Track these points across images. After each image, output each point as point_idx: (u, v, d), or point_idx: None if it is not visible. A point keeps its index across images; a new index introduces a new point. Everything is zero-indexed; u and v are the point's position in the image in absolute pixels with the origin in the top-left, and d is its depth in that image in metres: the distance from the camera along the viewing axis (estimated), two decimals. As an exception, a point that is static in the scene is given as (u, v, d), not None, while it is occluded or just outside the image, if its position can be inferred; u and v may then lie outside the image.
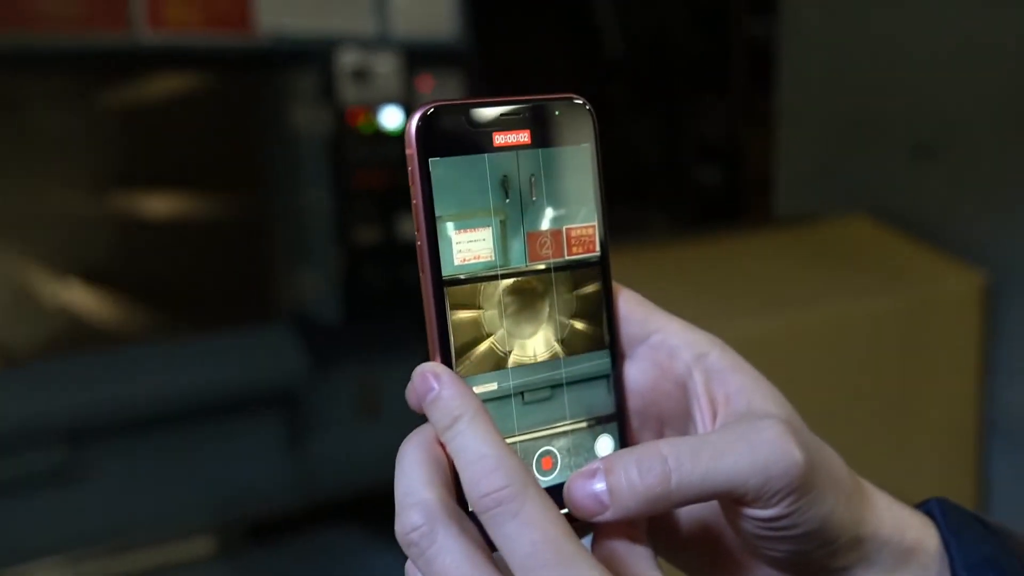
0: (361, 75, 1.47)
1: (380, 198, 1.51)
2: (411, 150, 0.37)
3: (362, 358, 1.68)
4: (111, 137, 2.17)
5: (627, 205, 1.92)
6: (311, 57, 1.47)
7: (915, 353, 1.20)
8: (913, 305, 1.19)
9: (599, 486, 0.36)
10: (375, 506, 1.71)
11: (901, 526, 0.40)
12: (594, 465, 0.37)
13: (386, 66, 1.49)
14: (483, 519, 0.34)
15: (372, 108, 1.47)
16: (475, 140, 0.38)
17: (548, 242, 0.39)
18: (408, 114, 0.39)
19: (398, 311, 1.59)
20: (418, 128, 0.37)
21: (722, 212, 1.74)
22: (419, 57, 1.52)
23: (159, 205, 2.04)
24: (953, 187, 1.32)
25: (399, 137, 1.39)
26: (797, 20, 1.46)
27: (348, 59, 1.46)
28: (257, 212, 1.70)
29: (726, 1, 1.75)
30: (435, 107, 0.38)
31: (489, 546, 0.35)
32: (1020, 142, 1.28)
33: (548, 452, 0.39)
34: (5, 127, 2.21)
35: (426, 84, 1.53)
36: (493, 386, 0.38)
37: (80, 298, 1.95)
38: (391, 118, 1.49)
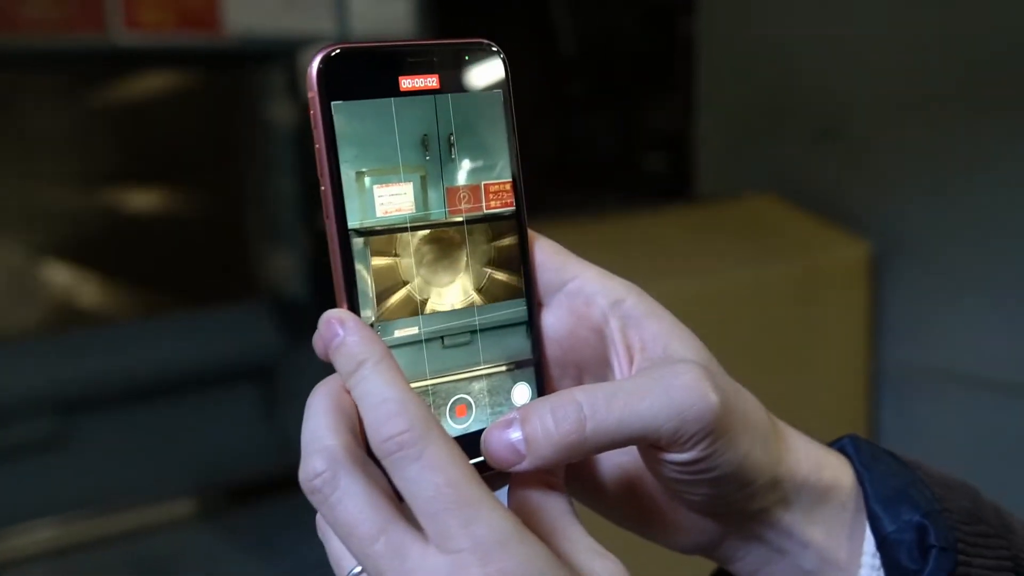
0: (324, 72, 1.52)
1: (345, 185, 1.57)
2: (312, 92, 0.34)
3: (332, 334, 1.73)
4: (94, 131, 2.19)
5: (585, 190, 1.97)
6: (277, 55, 1.50)
7: (811, 315, 1.27)
8: (810, 272, 1.26)
9: (515, 435, 0.34)
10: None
11: (818, 465, 0.39)
12: (510, 415, 0.35)
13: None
14: (385, 464, 0.32)
15: (335, 102, 1.53)
16: (381, 83, 0.35)
17: (464, 195, 0.36)
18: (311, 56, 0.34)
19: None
20: (319, 70, 0.34)
21: (667, 193, 1.80)
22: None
23: (142, 195, 2.07)
24: (847, 168, 1.38)
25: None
26: (713, 19, 1.52)
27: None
28: (233, 200, 1.72)
29: (667, 3, 1.81)
30: (339, 48, 0.34)
31: (396, 495, 0.32)
32: (905, 127, 1.35)
33: (462, 400, 0.37)
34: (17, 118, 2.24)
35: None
36: (408, 331, 0.35)
37: (71, 281, 1.99)
38: (353, 112, 1.55)
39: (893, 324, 1.35)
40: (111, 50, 1.38)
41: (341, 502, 0.32)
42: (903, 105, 1.33)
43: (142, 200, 2.05)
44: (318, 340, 0.35)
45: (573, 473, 0.38)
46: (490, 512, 0.31)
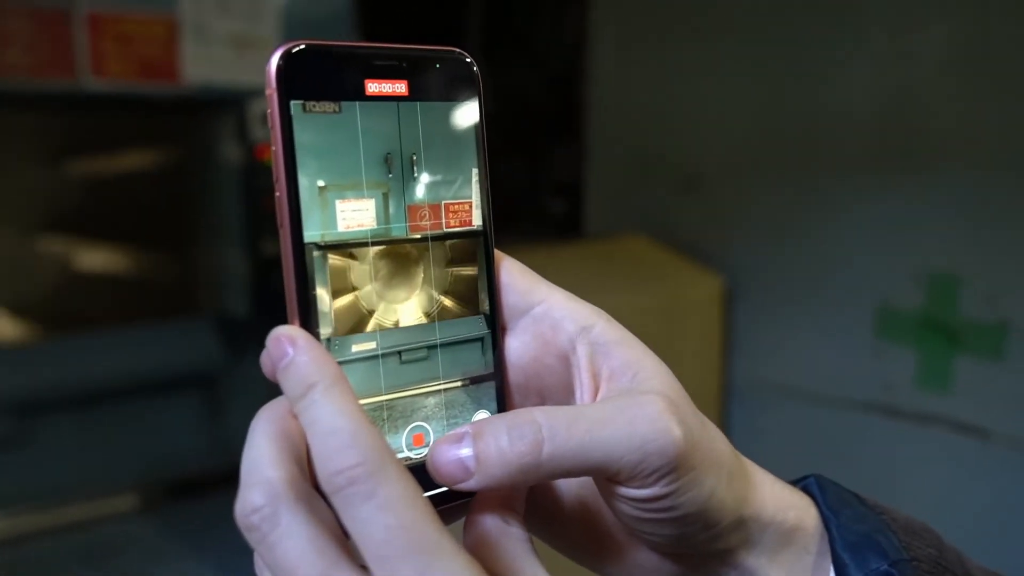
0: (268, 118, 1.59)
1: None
2: (271, 90, 0.30)
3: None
4: (60, 164, 2.22)
5: (496, 226, 2.08)
6: (228, 103, 1.57)
7: (674, 338, 1.38)
8: (673, 301, 1.37)
9: (465, 451, 0.29)
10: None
11: (783, 506, 0.35)
12: (462, 429, 0.30)
13: (289, 112, 1.62)
14: (333, 500, 0.27)
15: (277, 145, 1.60)
16: (345, 85, 0.30)
17: (427, 212, 0.32)
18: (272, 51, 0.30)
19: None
20: (279, 66, 0.29)
21: (563, 231, 1.91)
22: (317, 106, 1.65)
23: (102, 222, 2.10)
24: (705, 214, 1.52)
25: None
26: (602, 87, 1.66)
27: (258, 106, 1.58)
28: (184, 228, 1.77)
29: (565, 71, 1.94)
30: (302, 44, 0.30)
31: (343, 532, 0.28)
32: (753, 180, 1.49)
33: (420, 428, 0.32)
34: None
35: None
36: (365, 346, 0.31)
37: (32, 294, 2.00)
38: (293, 154, 1.62)
39: (741, 345, 1.44)
40: (80, 94, 1.43)
41: (281, 542, 0.27)
42: (749, 163, 1.48)
43: (105, 228, 2.08)
44: (266, 359, 0.30)
45: (529, 502, 0.33)
46: (449, 559, 0.26)
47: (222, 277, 1.70)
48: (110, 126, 1.98)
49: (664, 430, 0.30)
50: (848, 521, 0.35)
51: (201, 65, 1.52)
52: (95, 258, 2.10)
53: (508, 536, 0.30)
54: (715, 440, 0.33)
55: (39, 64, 1.37)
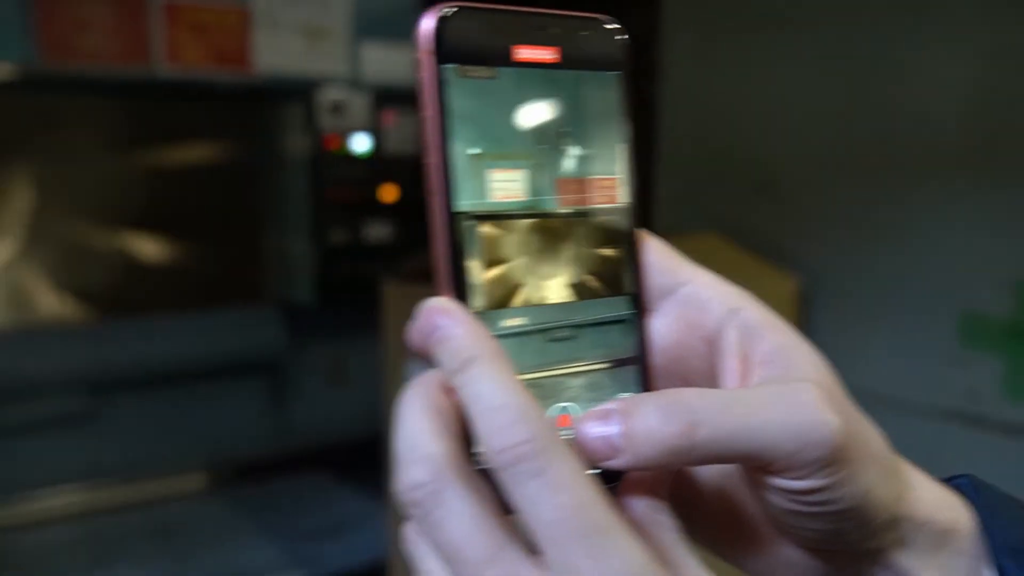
0: (337, 109, 1.60)
1: (348, 208, 1.62)
2: (424, 53, 0.29)
3: (331, 337, 1.77)
4: (131, 152, 2.27)
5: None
6: (297, 93, 1.58)
7: None
8: None
9: (613, 428, 0.28)
10: (339, 457, 1.82)
11: (938, 506, 0.33)
12: (608, 406, 0.28)
13: (357, 102, 1.62)
14: (500, 477, 0.26)
15: (344, 135, 1.59)
16: (497, 50, 0.30)
17: (575, 186, 0.31)
18: (422, 18, 0.28)
19: (361, 300, 1.69)
20: (434, 29, 0.28)
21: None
22: (384, 96, 1.63)
23: (174, 210, 2.14)
24: (780, 213, 1.46)
25: (366, 159, 1.54)
26: (673, 88, 1.62)
27: (327, 95, 1.59)
28: (251, 218, 1.78)
29: (640, 66, 1.90)
30: (455, 7, 0.29)
31: (503, 508, 0.27)
32: (831, 178, 1.43)
33: (565, 409, 0.31)
34: (48, 137, 2.33)
35: (389, 118, 1.65)
36: (513, 323, 0.30)
37: (109, 279, 2.06)
38: (359, 144, 1.62)
39: (816, 348, 1.39)
40: (153, 81, 1.46)
41: (447, 520, 0.26)
42: (827, 161, 1.42)
43: (176, 216, 2.12)
44: (415, 331, 0.28)
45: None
46: (623, 542, 0.25)
47: (288, 266, 1.71)
48: (181, 114, 2.03)
49: (823, 420, 0.28)
50: (1008, 524, 0.33)
51: (272, 55, 1.54)
52: (167, 245, 2.14)
53: (659, 524, 0.29)
54: (872, 433, 0.31)
55: (116, 51, 1.40)
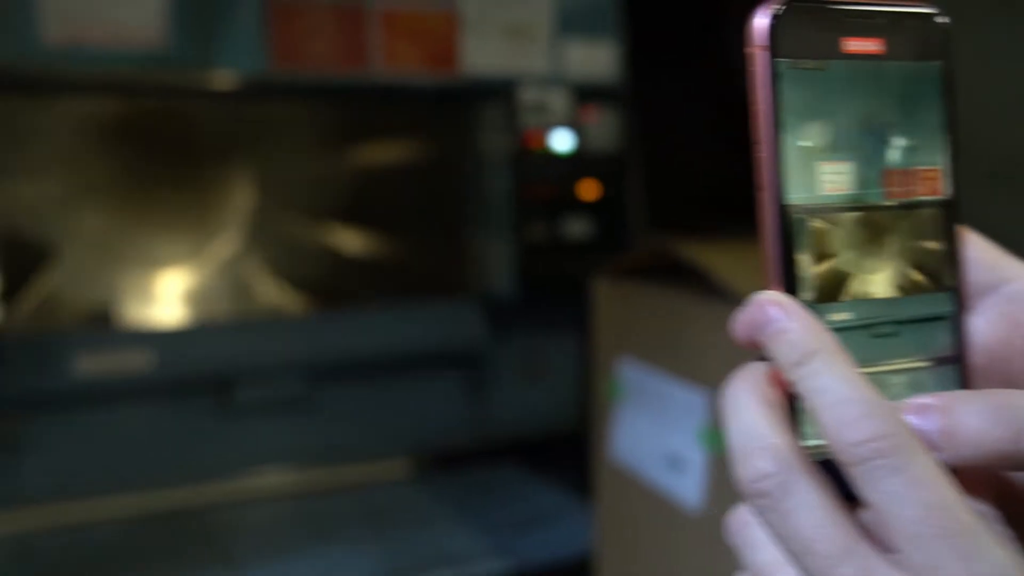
0: (538, 106, 1.62)
1: (548, 205, 1.64)
2: (757, 48, 0.29)
3: (529, 331, 1.80)
4: (342, 152, 2.39)
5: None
6: (500, 92, 1.61)
7: None
8: None
9: (931, 424, 0.26)
10: (535, 450, 1.84)
11: None
12: (924, 400, 0.27)
13: (558, 99, 1.63)
14: (855, 471, 0.25)
15: (545, 133, 1.61)
16: (826, 43, 0.30)
17: (900, 178, 0.31)
18: (755, 10, 0.29)
19: (560, 296, 1.71)
20: (769, 24, 0.29)
21: None
22: (585, 92, 1.64)
23: (380, 206, 2.24)
24: (1017, 209, 1.35)
25: (566, 158, 1.55)
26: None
27: (528, 94, 1.61)
28: (455, 214, 1.84)
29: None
30: (786, 3, 0.29)
31: (843, 502, 0.27)
32: None
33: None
34: (269, 140, 2.49)
35: (589, 114, 1.66)
36: (839, 318, 0.30)
37: (321, 272, 2.19)
38: (560, 141, 1.63)
39: None
40: (368, 85, 1.53)
41: (797, 511, 0.26)
42: None
43: (378, 206, 2.23)
44: (744, 323, 0.29)
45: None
46: (993, 548, 0.24)
47: (489, 262, 1.75)
48: (390, 115, 2.12)
49: None
50: None
51: (477, 55, 1.58)
52: (376, 241, 2.25)
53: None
54: None
55: (337, 57, 1.48)
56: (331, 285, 2.25)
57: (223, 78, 1.47)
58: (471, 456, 1.79)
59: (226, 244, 2.52)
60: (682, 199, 2.09)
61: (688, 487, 1.05)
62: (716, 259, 1.04)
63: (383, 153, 2.27)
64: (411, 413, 1.77)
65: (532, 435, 1.84)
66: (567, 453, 1.89)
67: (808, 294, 0.29)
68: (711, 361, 1.02)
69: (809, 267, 0.29)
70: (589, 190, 1.67)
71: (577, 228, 1.66)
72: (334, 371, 1.69)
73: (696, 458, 1.04)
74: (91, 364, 1.51)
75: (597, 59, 1.66)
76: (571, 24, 1.64)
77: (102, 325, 2.37)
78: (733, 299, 0.97)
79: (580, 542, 1.46)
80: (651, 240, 1.16)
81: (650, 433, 1.13)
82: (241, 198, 2.53)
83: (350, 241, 2.26)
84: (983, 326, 0.31)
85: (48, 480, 1.52)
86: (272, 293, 2.22)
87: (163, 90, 1.66)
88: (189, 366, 1.58)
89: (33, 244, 2.32)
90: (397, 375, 1.74)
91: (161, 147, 2.39)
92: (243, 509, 1.62)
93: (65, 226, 2.37)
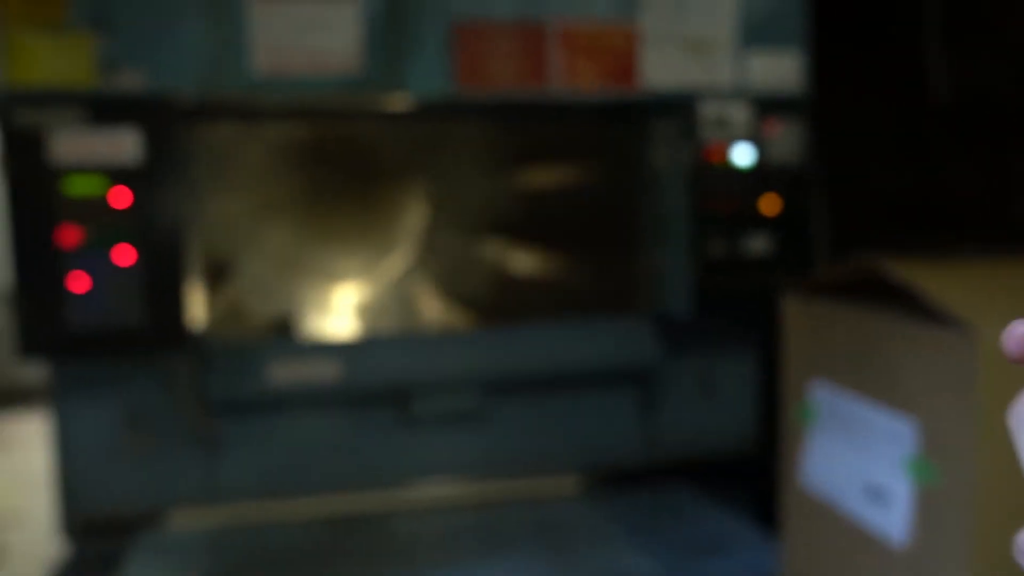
0: (720, 120, 1.58)
1: (727, 220, 1.59)
2: None
3: (705, 349, 1.77)
4: (516, 169, 2.42)
5: (943, 234, 1.86)
6: (680, 106, 1.58)
7: None
8: None
9: None
10: (706, 470, 1.79)
11: None
12: None
13: (740, 113, 1.59)
14: None
15: (727, 147, 1.58)
16: None
17: None
18: None
19: (737, 313, 1.66)
20: None
21: None
22: (767, 105, 1.60)
23: (555, 224, 2.25)
24: None
25: (748, 171, 1.50)
26: None
27: (709, 107, 1.58)
28: (629, 230, 1.83)
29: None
30: None
31: None
32: None
33: None
34: (443, 162, 2.57)
35: (772, 127, 1.61)
36: None
37: (496, 291, 2.22)
38: (742, 155, 1.59)
39: None
40: (546, 103, 1.54)
41: None
42: None
43: (554, 222, 2.24)
44: (1017, 339, 0.28)
45: None
46: None
47: (664, 277, 1.72)
48: (565, 131, 2.13)
49: None
50: None
51: (658, 70, 1.56)
52: (548, 256, 2.26)
53: None
54: None
55: (517, 77, 1.50)
56: (505, 301, 2.28)
57: (410, 100, 1.52)
58: (642, 475, 1.77)
59: (403, 260, 2.61)
60: (868, 213, 1.99)
61: (892, 521, 0.99)
62: (928, 278, 0.97)
63: (558, 170, 2.28)
64: (582, 429, 1.77)
65: (706, 455, 1.79)
66: (743, 476, 1.83)
67: None
68: (920, 387, 0.96)
69: None
70: (770, 205, 1.62)
71: (757, 244, 1.61)
72: (508, 385, 1.71)
73: (902, 490, 0.97)
74: (283, 373, 1.59)
75: (780, 70, 1.61)
76: (754, 35, 1.60)
77: (286, 335, 2.50)
78: (949, 322, 0.90)
79: (761, 571, 1.40)
80: (847, 257, 1.10)
81: (848, 461, 1.07)
82: (417, 215, 2.61)
83: (524, 257, 2.28)
84: None
85: (243, 479, 1.62)
86: (448, 308, 2.28)
87: (355, 113, 1.74)
88: (370, 377, 1.63)
89: (230, 258, 2.49)
90: (569, 391, 1.74)
91: (346, 167, 2.51)
92: (420, 517, 1.66)
93: (257, 241, 2.53)
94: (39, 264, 1.35)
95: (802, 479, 1.15)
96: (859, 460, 1.05)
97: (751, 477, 1.81)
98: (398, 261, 2.58)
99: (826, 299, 1.13)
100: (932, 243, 1.80)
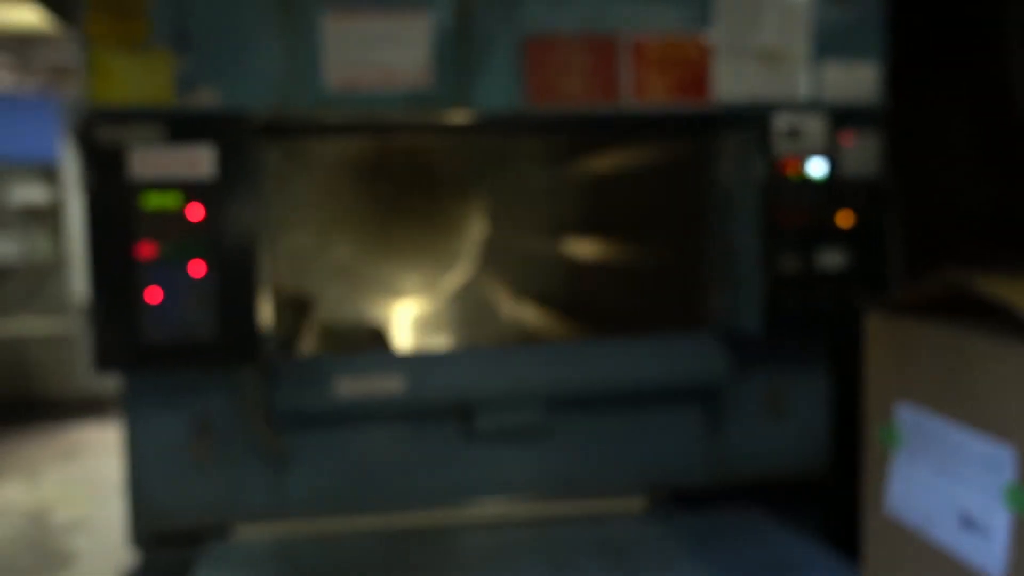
0: (793, 132, 1.54)
1: (800, 235, 1.55)
2: None
3: (775, 368, 1.73)
4: (585, 182, 2.41)
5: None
6: (753, 118, 1.55)
7: None
8: None
9: None
10: (778, 492, 1.75)
11: None
12: None
13: (814, 125, 1.55)
14: None
15: (801, 160, 1.53)
16: None
17: None
18: None
19: (809, 330, 1.61)
20: None
21: None
22: (842, 117, 1.55)
23: (623, 237, 2.24)
24: None
25: (823, 184, 1.47)
26: None
27: (783, 120, 1.54)
28: (700, 242, 1.78)
29: None
30: None
31: None
32: None
33: None
34: (504, 175, 2.57)
35: (847, 139, 1.56)
36: None
37: (559, 303, 2.21)
38: (816, 168, 1.55)
39: None
40: (617, 115, 1.52)
41: None
42: None
43: (621, 234, 2.22)
44: None
45: None
46: None
47: (734, 293, 1.68)
48: (638, 147, 2.11)
49: None
50: None
51: (730, 82, 1.53)
52: (614, 270, 2.24)
53: None
54: None
55: (589, 91, 1.49)
56: (569, 315, 2.26)
57: (478, 114, 1.51)
58: (709, 495, 1.73)
59: (468, 274, 2.62)
60: (946, 228, 1.92)
61: (989, 552, 0.94)
62: (1021, 296, 0.93)
63: (627, 184, 2.26)
64: (648, 447, 1.73)
65: (775, 477, 1.74)
66: (814, 498, 1.77)
67: None
68: (1019, 411, 0.91)
69: None
70: (845, 219, 1.57)
71: (831, 259, 1.57)
72: (573, 402, 1.68)
73: (999, 521, 0.93)
74: (348, 386, 1.59)
75: (856, 81, 1.57)
76: (829, 46, 1.56)
77: (356, 350, 2.52)
78: (1052, 344, 0.86)
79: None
80: (928, 273, 1.06)
81: (939, 488, 1.02)
82: (483, 229, 2.62)
83: (589, 270, 2.27)
84: None
85: (309, 492, 1.62)
86: (513, 324, 2.27)
87: (422, 126, 1.75)
88: (434, 392, 1.63)
89: (298, 271, 2.52)
90: (635, 408, 1.71)
91: (411, 181, 2.52)
92: (483, 533, 1.64)
93: (326, 254, 2.56)
94: (115, 278, 1.37)
95: (887, 505, 1.10)
96: (951, 488, 1.00)
97: (822, 500, 1.75)
98: (468, 274, 2.59)
99: (912, 317, 1.09)
100: (1015, 259, 1.73)
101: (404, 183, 2.48)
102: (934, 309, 1.06)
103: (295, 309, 2.29)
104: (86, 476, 2.72)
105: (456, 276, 2.56)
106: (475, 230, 2.55)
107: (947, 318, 1.04)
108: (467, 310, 2.53)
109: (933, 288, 1.05)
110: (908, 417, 1.07)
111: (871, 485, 1.14)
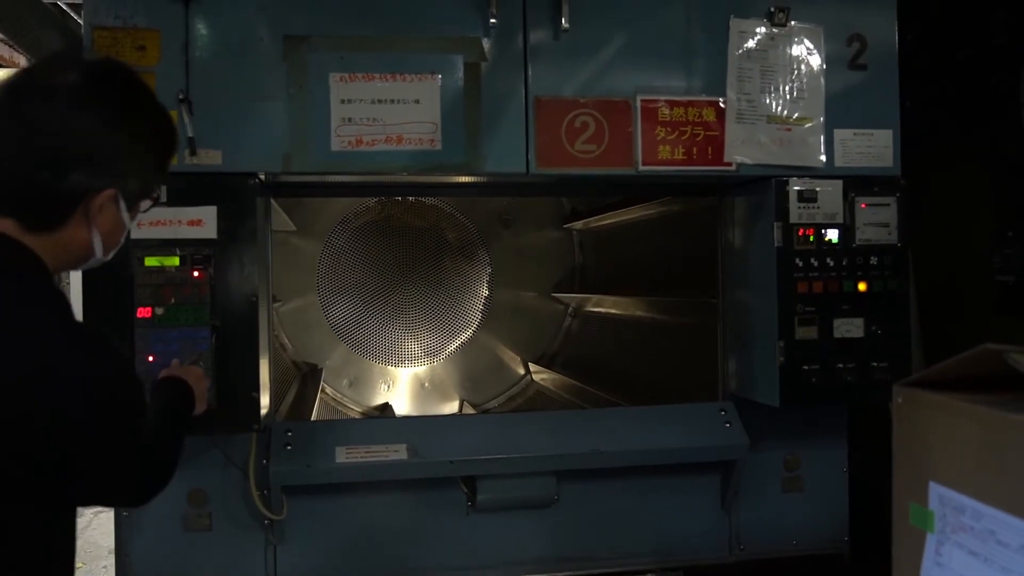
0: (807, 198, 1.51)
1: (818, 302, 1.50)
2: None
3: (791, 439, 1.66)
4: (597, 244, 2.37)
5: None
6: (766, 184, 1.52)
7: None
8: None
9: None
10: (794, 569, 1.67)
11: None
12: None
13: (830, 191, 1.52)
14: None
15: (815, 226, 1.49)
16: None
17: None
18: None
19: (828, 401, 1.55)
20: None
21: None
22: (856, 184, 1.52)
23: (636, 301, 2.18)
24: None
25: (836, 250, 1.42)
26: None
27: (798, 186, 1.51)
28: (713, 308, 1.73)
29: None
30: None
31: None
32: None
33: None
34: (510, 238, 2.54)
35: (860, 207, 1.51)
36: None
37: (569, 370, 2.15)
38: (830, 234, 1.50)
39: None
40: (631, 178, 1.49)
41: None
42: None
43: (639, 306, 2.16)
44: None
45: None
46: None
47: (750, 362, 1.62)
48: (652, 209, 2.06)
49: None
50: None
51: (744, 147, 1.50)
52: (628, 336, 2.18)
53: None
54: None
55: (601, 155, 1.46)
56: (581, 383, 2.19)
57: (486, 176, 1.48)
58: (724, 571, 1.65)
59: (473, 338, 2.56)
60: (965, 295, 1.88)
61: (1034, 644, 0.87)
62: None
63: (639, 247, 2.22)
64: (661, 520, 1.66)
65: (791, 552, 1.66)
66: (832, 575, 1.69)
67: None
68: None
69: None
70: (862, 286, 1.53)
71: (848, 327, 1.52)
72: (582, 471, 1.61)
73: (1044, 610, 0.86)
74: (347, 454, 1.52)
75: (868, 149, 1.54)
76: (844, 114, 1.53)
77: (357, 415, 2.45)
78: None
79: None
80: (956, 343, 1.01)
81: (977, 573, 0.96)
82: (488, 293, 2.58)
83: (603, 336, 2.21)
84: None
85: (304, 562, 1.53)
86: (523, 389, 2.21)
87: (430, 187, 1.71)
88: (436, 460, 1.54)
89: (301, 335, 2.46)
90: (647, 480, 1.64)
91: (417, 242, 2.49)
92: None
93: (327, 316, 2.50)
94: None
95: (921, 590, 1.03)
96: (988, 572, 0.93)
97: (842, 576, 1.68)
98: (473, 339, 2.53)
99: (942, 392, 1.04)
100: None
101: (412, 243, 2.45)
102: (962, 383, 1.01)
103: (300, 376, 2.23)
104: (83, 536, 2.63)
105: (466, 341, 2.51)
106: (486, 295, 2.51)
107: (978, 393, 0.99)
108: (474, 377, 2.47)
109: (964, 362, 1.00)
110: (942, 498, 1.01)
111: (901, 568, 1.07)
